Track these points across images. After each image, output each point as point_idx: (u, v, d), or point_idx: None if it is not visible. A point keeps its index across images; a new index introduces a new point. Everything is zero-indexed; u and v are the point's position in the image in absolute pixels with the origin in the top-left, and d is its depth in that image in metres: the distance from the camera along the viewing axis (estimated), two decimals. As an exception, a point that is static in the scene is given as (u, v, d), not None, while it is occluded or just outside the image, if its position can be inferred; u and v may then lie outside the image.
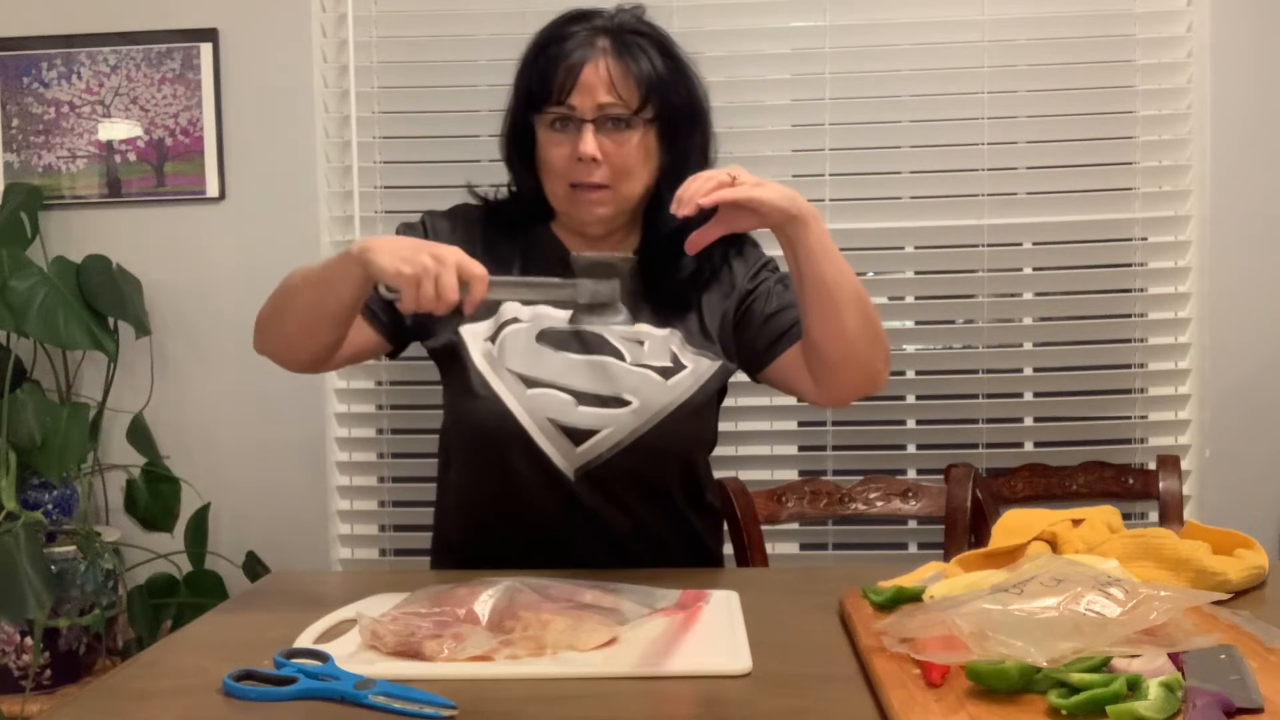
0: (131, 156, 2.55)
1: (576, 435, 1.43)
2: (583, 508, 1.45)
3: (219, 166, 2.54)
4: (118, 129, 2.55)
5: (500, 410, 1.42)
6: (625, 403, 1.43)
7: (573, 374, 1.44)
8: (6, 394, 2.26)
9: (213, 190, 2.54)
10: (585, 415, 1.43)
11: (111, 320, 2.40)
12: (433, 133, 2.55)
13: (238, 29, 2.53)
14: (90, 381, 2.52)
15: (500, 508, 1.47)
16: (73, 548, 2.31)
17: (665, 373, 1.46)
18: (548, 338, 1.47)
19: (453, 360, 1.49)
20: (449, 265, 1.17)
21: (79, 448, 2.30)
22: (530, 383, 1.44)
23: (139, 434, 2.46)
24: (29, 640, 2.24)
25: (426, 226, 1.54)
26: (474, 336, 1.47)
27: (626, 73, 1.42)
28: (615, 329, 1.42)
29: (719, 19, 2.48)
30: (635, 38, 1.45)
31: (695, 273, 1.51)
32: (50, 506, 2.37)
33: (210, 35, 2.52)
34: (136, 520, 2.48)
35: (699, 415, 1.48)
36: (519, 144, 1.50)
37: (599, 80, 1.40)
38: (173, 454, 2.52)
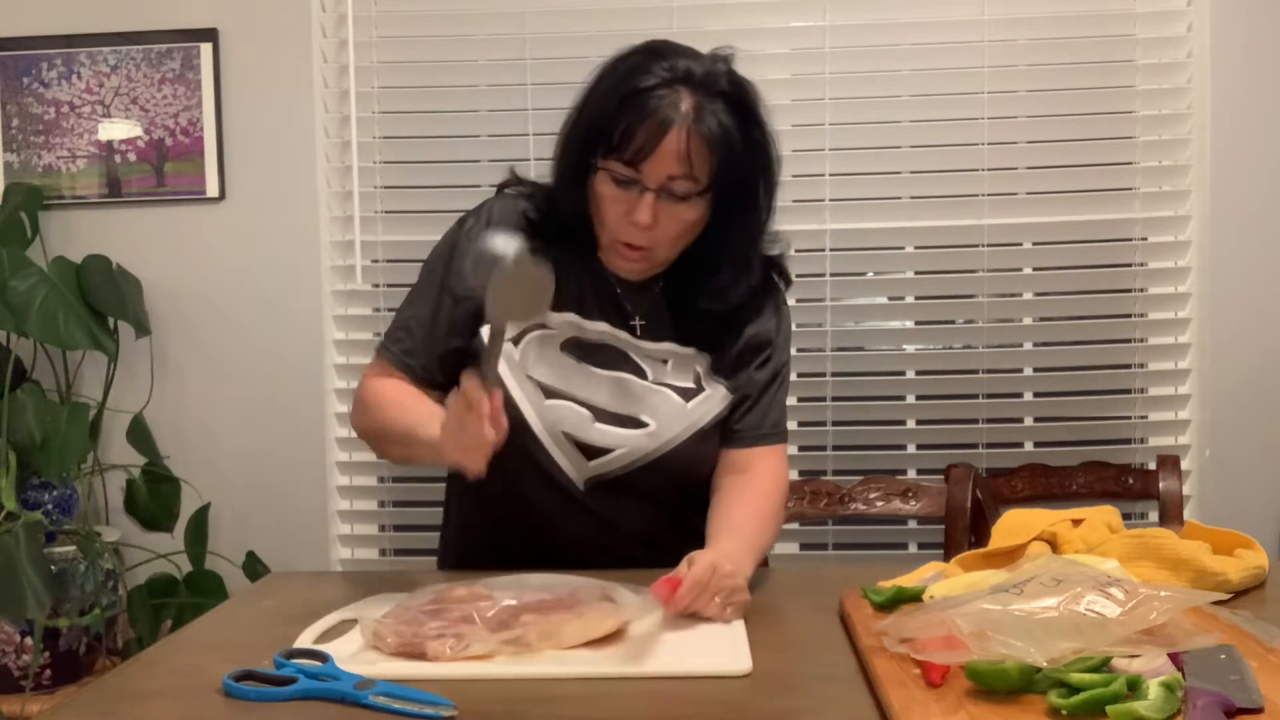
0: (131, 156, 2.55)
1: (590, 451, 1.42)
2: (589, 514, 1.44)
3: (219, 166, 2.54)
4: (118, 129, 2.55)
5: (515, 417, 1.41)
6: (642, 424, 1.43)
7: (593, 388, 1.43)
8: (6, 394, 2.26)
9: (213, 190, 2.54)
10: (601, 433, 1.42)
11: (111, 320, 2.40)
12: (433, 133, 2.55)
13: (238, 29, 2.53)
14: (90, 381, 2.52)
15: (505, 511, 1.47)
16: (73, 548, 2.31)
17: (686, 394, 1.45)
18: (571, 348, 1.46)
19: (464, 358, 1.48)
20: (479, 429, 1.19)
21: (79, 448, 2.30)
22: (550, 392, 1.42)
23: (139, 434, 2.46)
24: (29, 640, 2.24)
25: (457, 245, 1.50)
26: (486, 326, 1.46)
27: (703, 147, 1.34)
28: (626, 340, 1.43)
29: (719, 19, 2.48)
30: (720, 105, 1.36)
31: (712, 309, 1.49)
32: (50, 506, 2.37)
33: (210, 35, 2.52)
34: (136, 520, 2.48)
35: (709, 438, 1.48)
36: (579, 171, 1.43)
37: (674, 153, 1.33)
38: (173, 454, 2.52)
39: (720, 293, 1.45)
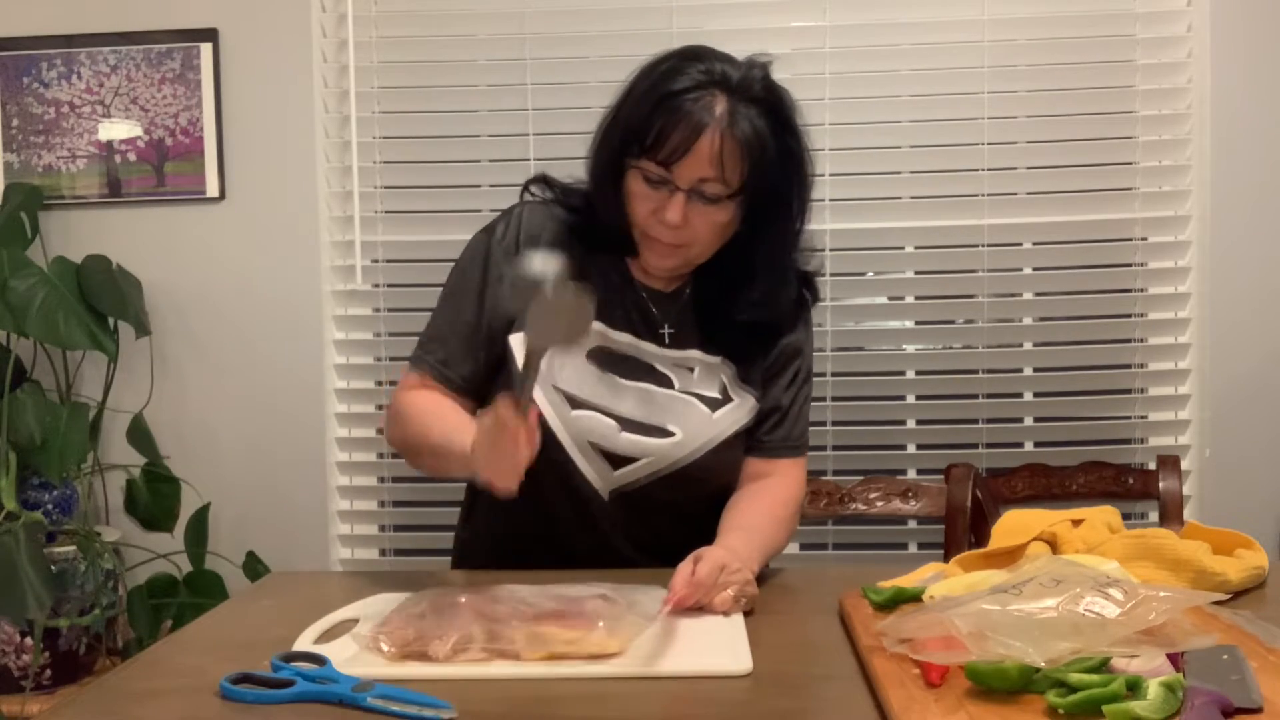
0: (131, 156, 2.55)
1: (616, 460, 1.42)
2: (611, 526, 1.44)
3: (219, 166, 2.54)
4: (118, 129, 2.55)
5: (541, 428, 1.40)
6: (668, 433, 1.42)
7: (619, 398, 1.43)
8: (6, 394, 2.26)
9: (213, 190, 2.54)
10: (627, 442, 1.41)
11: (111, 320, 2.40)
12: (433, 132, 2.55)
13: (238, 29, 2.53)
14: (90, 381, 2.52)
15: (528, 520, 1.45)
16: (73, 548, 2.31)
17: (713, 404, 1.45)
18: (596, 358, 1.45)
19: (498, 370, 1.48)
20: (513, 449, 1.19)
21: (79, 448, 2.30)
22: (575, 403, 1.42)
23: (139, 434, 2.46)
24: (29, 640, 2.24)
25: (490, 253, 1.48)
26: (521, 347, 1.45)
27: (736, 151, 1.34)
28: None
29: (719, 19, 2.48)
30: (755, 110, 1.37)
31: (751, 320, 1.48)
32: (50, 506, 2.37)
33: (210, 35, 2.52)
34: (136, 520, 2.48)
35: (733, 446, 1.47)
36: (613, 172, 1.42)
37: (708, 155, 1.33)
38: (173, 454, 2.52)
39: (757, 305, 1.44)
